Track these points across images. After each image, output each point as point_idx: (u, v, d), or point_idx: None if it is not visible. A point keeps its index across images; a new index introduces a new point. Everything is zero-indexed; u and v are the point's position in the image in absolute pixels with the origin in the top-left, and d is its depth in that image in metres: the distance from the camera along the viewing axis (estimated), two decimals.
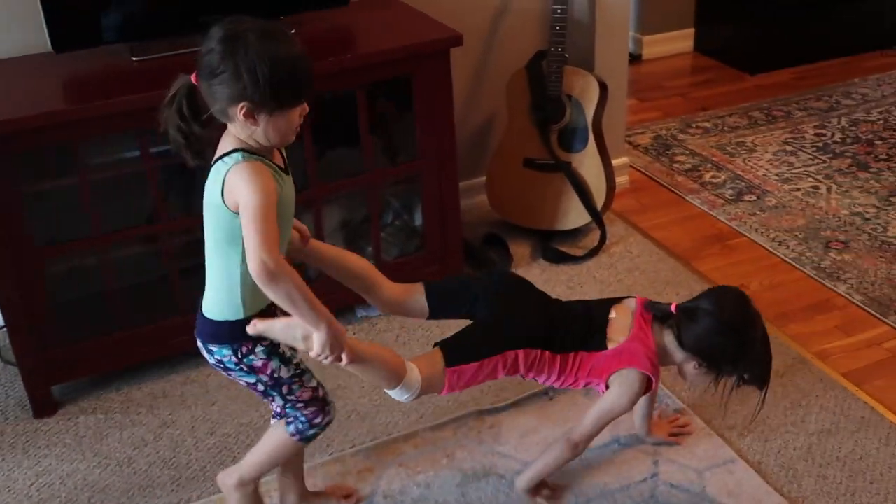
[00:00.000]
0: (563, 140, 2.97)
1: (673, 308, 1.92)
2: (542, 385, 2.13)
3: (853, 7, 4.46)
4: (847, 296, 2.72)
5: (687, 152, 3.65)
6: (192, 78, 1.54)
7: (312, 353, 1.59)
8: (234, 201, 1.52)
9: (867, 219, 3.12)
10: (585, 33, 3.10)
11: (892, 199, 3.24)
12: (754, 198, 3.29)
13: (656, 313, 1.93)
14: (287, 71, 1.50)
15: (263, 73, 1.47)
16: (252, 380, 1.72)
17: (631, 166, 3.48)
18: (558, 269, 2.89)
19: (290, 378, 1.72)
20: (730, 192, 3.34)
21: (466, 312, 1.96)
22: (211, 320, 1.67)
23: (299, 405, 1.76)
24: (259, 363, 1.69)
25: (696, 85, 4.31)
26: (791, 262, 2.91)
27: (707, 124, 3.89)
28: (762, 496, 2.03)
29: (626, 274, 2.86)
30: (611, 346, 1.89)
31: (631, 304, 1.97)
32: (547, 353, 1.89)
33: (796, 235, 3.04)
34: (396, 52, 2.41)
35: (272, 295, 1.51)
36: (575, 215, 3.00)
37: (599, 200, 2.99)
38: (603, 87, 2.94)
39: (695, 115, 3.98)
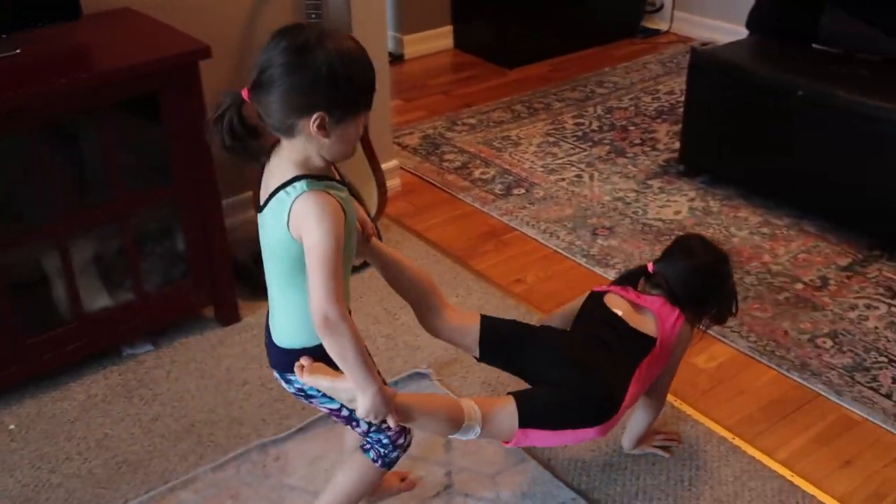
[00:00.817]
0: None
1: (650, 268, 1.98)
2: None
3: (601, 1, 4.66)
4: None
5: (455, 150, 3.67)
6: (244, 94, 1.44)
7: (360, 413, 1.53)
8: (299, 234, 1.45)
9: (628, 203, 3.25)
10: None
11: (649, 182, 3.39)
12: (523, 191, 3.35)
13: (637, 283, 1.99)
14: (363, 70, 1.43)
15: (342, 76, 1.40)
16: (335, 406, 1.65)
17: (401, 168, 3.45)
18: None
19: None
20: (499, 187, 3.38)
21: (520, 368, 1.86)
22: (286, 349, 1.60)
23: (384, 426, 1.64)
24: None
25: (458, 82, 4.35)
26: (562, 252, 2.97)
27: (472, 121, 3.93)
28: (554, 491, 2.04)
29: None
30: (654, 333, 1.89)
31: (613, 297, 1.97)
32: (612, 420, 1.80)
33: (565, 225, 3.12)
34: (138, 69, 2.23)
35: (326, 345, 1.46)
36: None
37: (372, 207, 2.92)
38: None
39: (459, 112, 4.01)
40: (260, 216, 1.53)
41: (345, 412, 1.66)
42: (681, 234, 2.13)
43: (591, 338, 1.88)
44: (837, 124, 2.89)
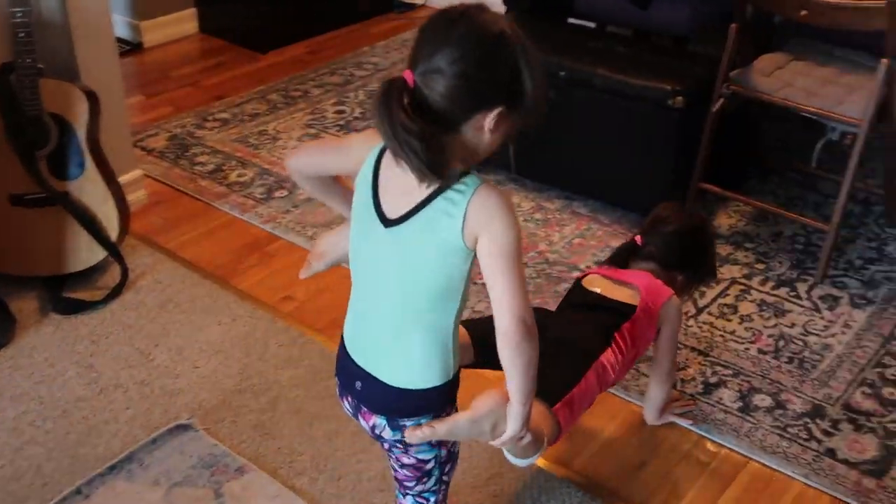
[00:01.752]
0: (55, 167, 2.50)
1: (638, 240, 2.05)
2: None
3: None
4: None
5: (208, 151, 3.34)
6: (409, 77, 1.24)
7: (502, 439, 1.39)
8: (475, 236, 1.27)
9: None
10: (60, 36, 2.62)
11: None
12: (286, 193, 3.09)
13: (627, 253, 2.05)
14: (542, 64, 1.28)
15: (535, 72, 1.26)
16: (429, 456, 1.48)
17: (147, 177, 3.09)
18: (77, 322, 2.45)
19: (456, 451, 1.52)
20: (260, 190, 3.10)
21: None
22: (413, 391, 1.39)
23: (443, 485, 1.53)
24: (452, 446, 1.50)
25: (206, 71, 4.00)
26: None
27: (225, 115, 3.60)
28: None
29: (159, 310, 2.50)
30: (635, 301, 1.92)
31: (591, 277, 2.03)
32: (609, 348, 1.85)
33: (332, 228, 2.89)
34: None
35: (510, 358, 1.30)
36: (86, 253, 2.56)
37: (112, 229, 2.58)
38: (92, 98, 2.51)
39: (210, 106, 3.67)
40: (389, 232, 1.33)
41: (430, 465, 1.49)
42: (661, 204, 2.21)
43: (569, 317, 1.94)
44: (599, 103, 2.84)
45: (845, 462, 2.05)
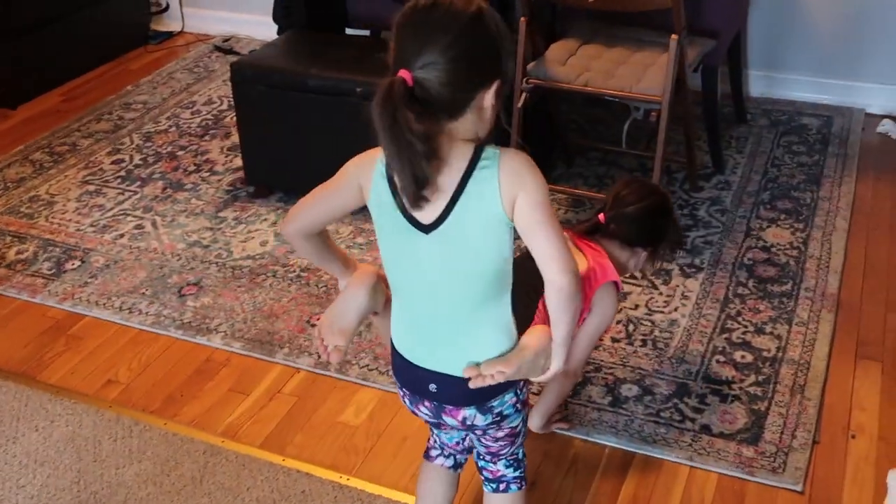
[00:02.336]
0: None
1: (601, 218, 2.01)
2: None
3: (100, 9, 4.07)
4: (226, 347, 2.42)
5: None
6: (407, 76, 1.22)
7: (547, 374, 1.45)
8: (512, 203, 1.29)
9: (207, 246, 2.84)
10: None
11: (221, 214, 3.00)
12: (78, 263, 2.77)
13: (590, 230, 2.01)
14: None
15: (509, 39, 1.31)
16: (518, 421, 1.55)
17: None
18: None
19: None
20: (47, 265, 2.77)
21: None
22: None
23: (525, 435, 1.61)
24: (527, 393, 1.54)
25: None
26: (151, 329, 2.50)
27: None
28: None
29: None
30: (583, 270, 1.86)
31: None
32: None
33: (144, 294, 2.63)
34: None
35: (564, 309, 1.35)
36: None
37: None
38: None
39: None
40: (432, 236, 1.32)
41: (519, 427, 1.56)
42: (620, 180, 2.24)
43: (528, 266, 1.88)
44: None
45: (721, 435, 2.08)
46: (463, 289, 1.37)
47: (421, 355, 1.45)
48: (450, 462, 1.73)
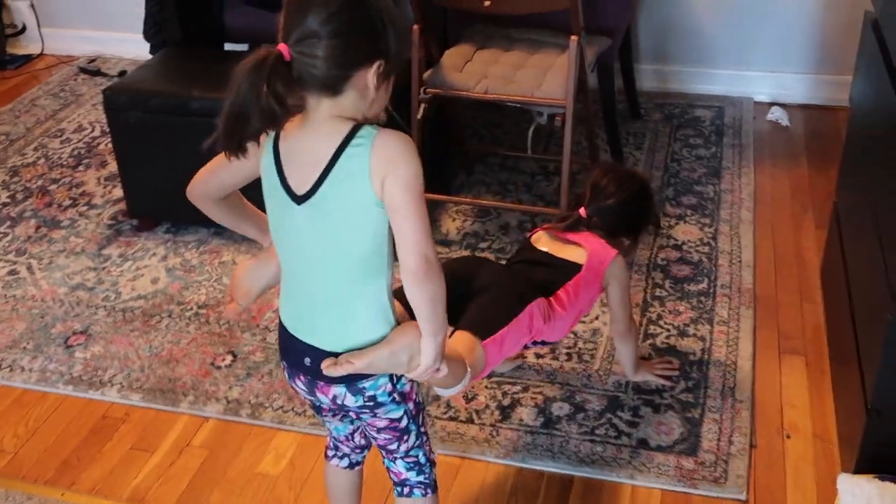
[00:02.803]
0: None
1: (582, 212, 2.03)
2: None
3: None
4: (124, 400, 2.22)
5: None
6: (284, 50, 1.23)
7: (417, 372, 1.39)
8: (382, 181, 1.26)
9: (92, 289, 2.61)
10: None
11: (104, 252, 2.77)
12: None
13: (573, 226, 2.02)
14: (405, 17, 1.52)
15: (398, 19, 1.30)
16: (399, 413, 1.50)
17: None
18: None
19: (421, 401, 1.54)
20: None
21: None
22: None
23: (424, 437, 1.56)
24: (408, 386, 1.49)
25: None
26: (36, 387, 2.27)
27: None
28: None
29: None
30: (581, 260, 1.96)
31: (540, 235, 2.07)
32: (547, 300, 1.88)
33: (25, 348, 2.39)
34: None
35: (417, 295, 1.31)
36: None
37: None
38: None
39: None
40: (303, 207, 1.32)
41: (403, 422, 1.51)
42: (595, 168, 2.21)
43: (514, 269, 1.98)
44: None
45: (660, 449, 2.01)
46: (334, 263, 1.37)
47: (299, 327, 1.44)
48: (344, 462, 1.70)
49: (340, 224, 1.32)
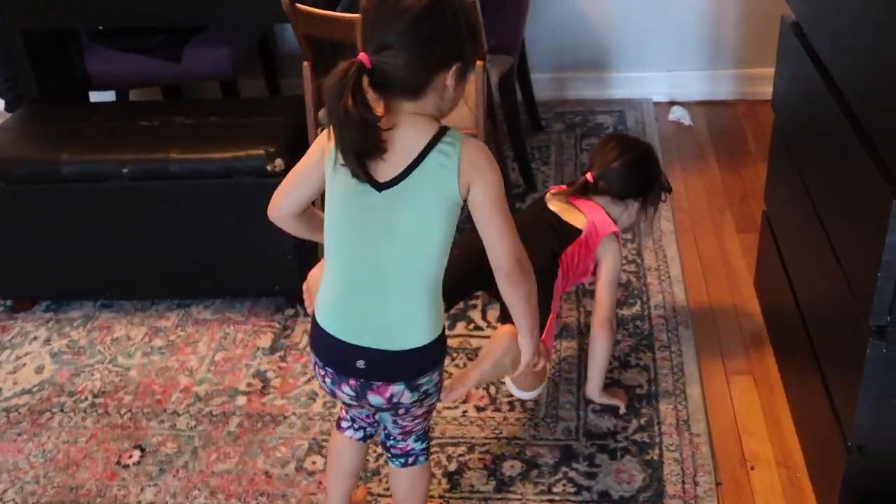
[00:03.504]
0: None
1: (589, 177, 2.06)
2: None
3: None
4: None
5: None
6: (365, 59, 1.28)
7: (520, 370, 1.58)
8: (468, 185, 1.36)
9: None
10: None
11: None
12: None
13: (581, 191, 2.06)
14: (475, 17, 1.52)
15: (472, 23, 1.35)
16: (435, 399, 1.55)
17: None
18: None
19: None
20: None
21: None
22: (422, 348, 1.44)
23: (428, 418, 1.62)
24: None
25: None
26: None
27: None
28: None
29: None
30: (582, 227, 2.01)
31: (553, 196, 2.09)
32: (557, 276, 1.94)
33: None
34: None
35: (515, 294, 1.45)
36: None
37: None
38: None
39: None
40: (385, 195, 1.36)
41: (424, 407, 1.54)
42: (600, 140, 2.21)
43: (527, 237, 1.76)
44: (184, 192, 2.35)
45: (623, 500, 1.87)
46: (408, 251, 1.40)
47: (349, 329, 1.44)
48: (359, 434, 1.71)
49: (420, 213, 1.37)
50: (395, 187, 1.36)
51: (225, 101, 2.96)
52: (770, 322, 2.27)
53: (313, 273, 1.68)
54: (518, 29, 2.80)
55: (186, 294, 2.56)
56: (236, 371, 2.31)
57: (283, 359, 2.34)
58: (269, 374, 2.29)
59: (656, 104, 3.44)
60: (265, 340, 2.40)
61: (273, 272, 2.44)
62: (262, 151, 2.30)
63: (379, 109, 1.36)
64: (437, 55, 1.31)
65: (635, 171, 2.08)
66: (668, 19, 3.31)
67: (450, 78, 1.33)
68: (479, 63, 2.24)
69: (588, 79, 3.47)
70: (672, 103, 3.42)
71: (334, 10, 2.36)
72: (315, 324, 1.49)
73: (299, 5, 2.20)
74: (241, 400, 2.21)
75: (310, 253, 2.53)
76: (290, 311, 2.50)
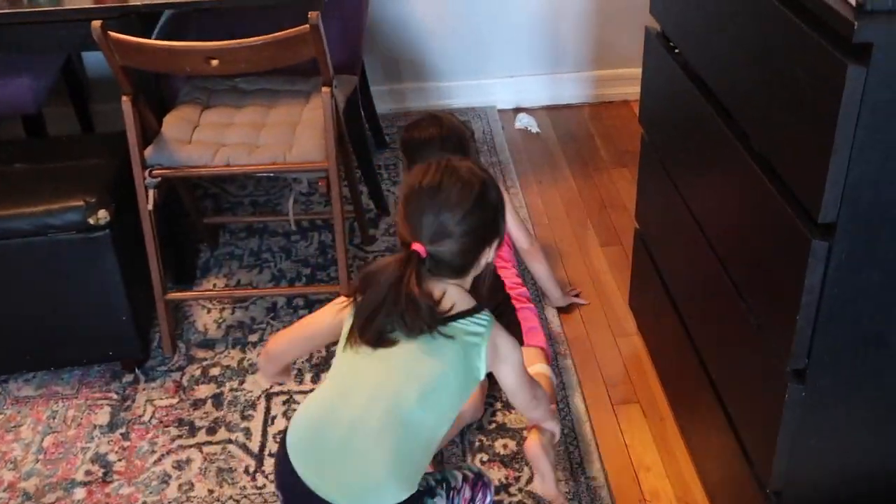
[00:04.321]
0: None
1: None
2: None
3: None
4: None
5: None
6: (420, 249, 1.37)
7: (556, 440, 1.78)
8: (495, 365, 1.47)
9: None
10: None
11: None
12: None
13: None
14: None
15: (505, 203, 1.49)
16: None
17: None
18: None
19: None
20: None
21: None
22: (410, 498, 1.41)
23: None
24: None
25: None
26: None
27: None
28: None
29: None
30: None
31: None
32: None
33: None
34: None
35: (532, 414, 1.66)
36: None
37: None
38: None
39: None
40: (413, 342, 1.40)
41: None
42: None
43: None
44: None
45: None
46: (400, 406, 1.39)
47: (324, 484, 1.39)
48: None
49: (434, 372, 1.39)
50: (418, 340, 1.39)
51: (31, 143, 2.59)
52: (651, 344, 2.18)
53: (275, 339, 1.63)
54: (359, 44, 2.60)
55: (2, 368, 2.21)
56: (71, 457, 2.00)
57: (125, 436, 2.04)
58: (111, 457, 1.99)
59: (501, 111, 3.32)
60: (102, 416, 2.10)
61: (104, 335, 2.14)
62: (80, 202, 1.99)
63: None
64: (483, 239, 1.43)
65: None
66: (506, 24, 3.19)
67: (490, 252, 1.45)
68: (325, 90, 2.03)
69: (429, 88, 3.31)
70: (517, 110, 3.32)
71: (149, 37, 2.09)
72: (284, 454, 1.42)
73: (112, 33, 1.91)
74: (80, 493, 1.91)
75: (146, 312, 2.25)
76: (128, 378, 2.20)
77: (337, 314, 1.48)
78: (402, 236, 1.41)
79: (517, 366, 1.50)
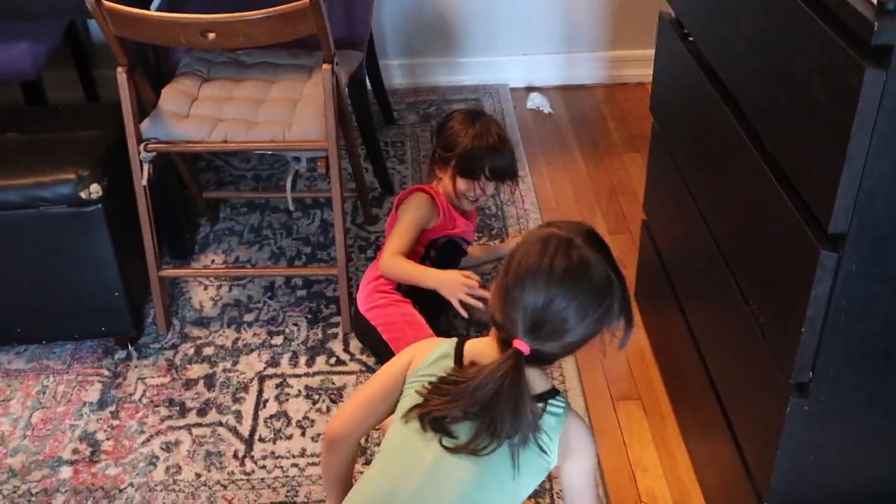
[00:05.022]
0: None
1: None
2: None
3: None
4: None
5: None
6: (524, 348, 1.25)
7: None
8: (565, 457, 1.34)
9: None
10: None
11: None
12: None
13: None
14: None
15: (623, 284, 1.33)
16: None
17: None
18: None
19: None
20: None
21: None
22: None
23: None
24: None
25: None
26: None
27: None
28: None
29: None
30: None
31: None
32: None
33: None
34: None
35: None
36: None
37: None
38: None
39: None
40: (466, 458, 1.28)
41: None
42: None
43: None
44: None
45: None
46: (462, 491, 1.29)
47: None
48: None
49: (502, 459, 1.29)
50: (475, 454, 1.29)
51: (26, 112, 2.54)
52: (655, 341, 2.12)
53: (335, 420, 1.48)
54: (366, 18, 2.52)
55: None
56: (59, 434, 1.97)
57: (114, 415, 2.01)
58: (99, 436, 1.96)
59: (513, 90, 3.24)
60: (92, 393, 2.07)
61: (97, 311, 2.10)
62: (73, 175, 1.94)
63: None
64: (588, 336, 1.31)
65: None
66: (521, 2, 3.10)
67: (608, 334, 1.34)
68: (326, 67, 1.97)
69: (440, 64, 3.23)
70: (529, 89, 3.24)
71: (148, 7, 2.03)
72: None
73: (107, 3, 1.85)
74: (66, 471, 1.88)
75: (141, 288, 2.21)
76: (120, 355, 2.16)
77: (398, 372, 1.40)
78: (499, 323, 1.28)
79: (588, 462, 1.36)
